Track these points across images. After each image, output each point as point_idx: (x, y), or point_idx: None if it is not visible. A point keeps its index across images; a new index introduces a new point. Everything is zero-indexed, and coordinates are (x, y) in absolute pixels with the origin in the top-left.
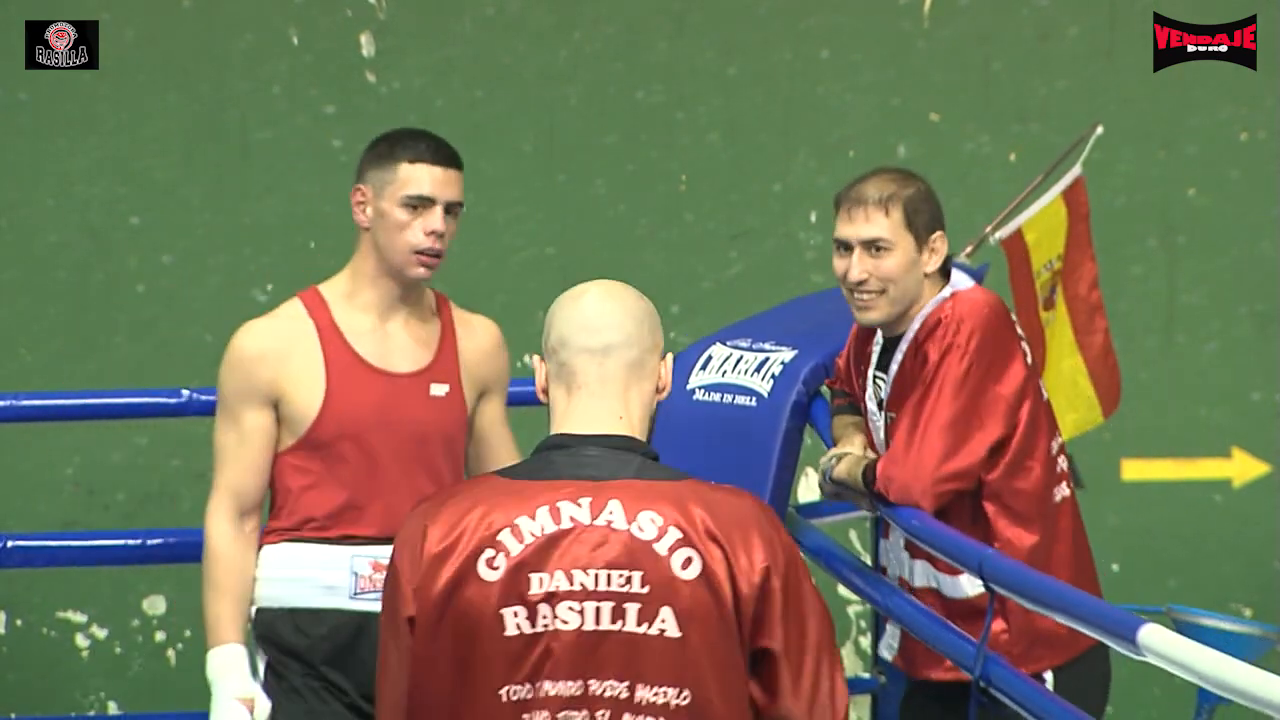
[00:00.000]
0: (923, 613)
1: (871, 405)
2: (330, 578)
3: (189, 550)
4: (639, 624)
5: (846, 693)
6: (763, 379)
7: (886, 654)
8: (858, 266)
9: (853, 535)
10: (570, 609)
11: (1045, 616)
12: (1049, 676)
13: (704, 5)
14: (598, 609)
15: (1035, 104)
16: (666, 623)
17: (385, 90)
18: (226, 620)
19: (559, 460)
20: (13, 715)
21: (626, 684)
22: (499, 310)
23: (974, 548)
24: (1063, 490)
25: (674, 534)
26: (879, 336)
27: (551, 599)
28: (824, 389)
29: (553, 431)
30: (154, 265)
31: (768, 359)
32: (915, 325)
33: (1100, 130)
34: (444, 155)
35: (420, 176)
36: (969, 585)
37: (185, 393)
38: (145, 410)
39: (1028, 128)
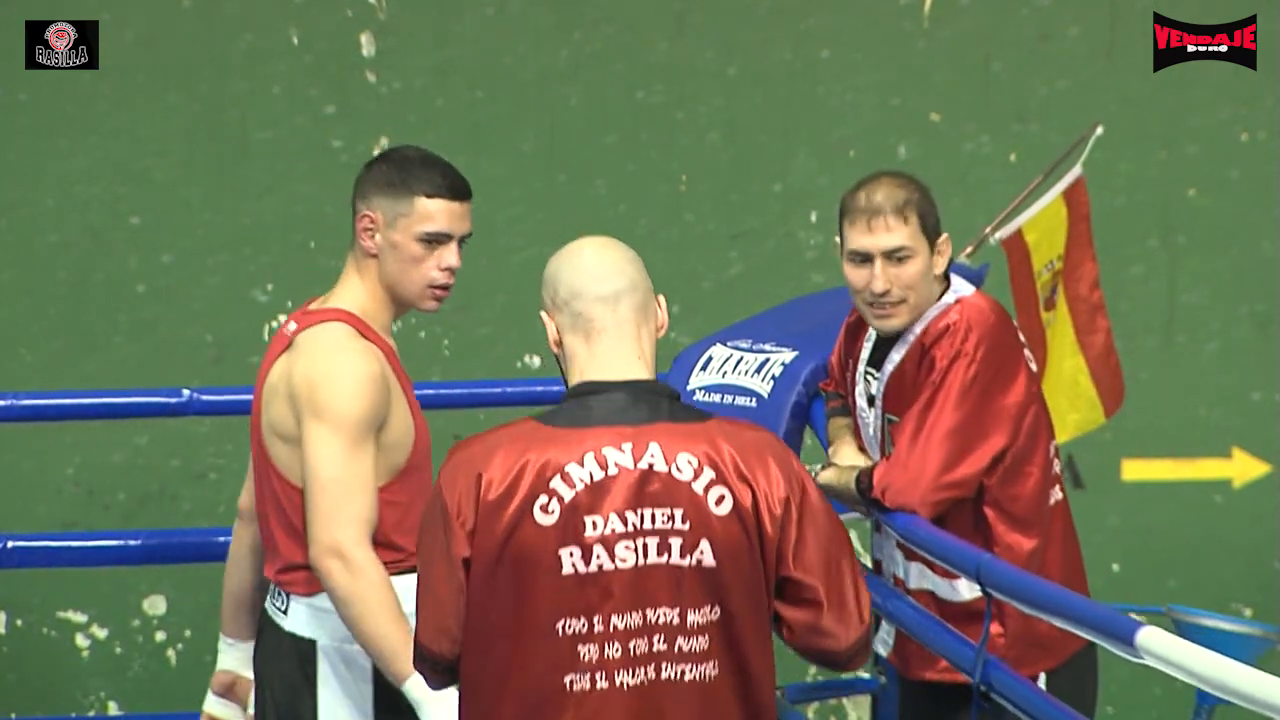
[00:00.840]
0: (924, 616)
1: (861, 402)
2: None
3: (189, 550)
4: (682, 556)
5: (868, 594)
6: (763, 380)
7: (881, 649)
8: (881, 278)
9: (853, 535)
10: (626, 548)
11: (1043, 621)
12: (1042, 679)
13: (704, 5)
14: (646, 545)
15: (1035, 104)
16: (704, 554)
17: (385, 90)
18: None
19: (595, 406)
20: (13, 715)
21: (677, 610)
22: (499, 310)
23: (970, 553)
24: (1056, 494)
25: (708, 473)
26: (870, 333)
27: (606, 541)
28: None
29: (577, 378)
30: (154, 265)
31: (768, 360)
32: (917, 327)
33: (1100, 130)
34: (460, 188)
35: (438, 212)
36: (966, 589)
37: (185, 393)
38: (145, 410)
39: (1028, 128)
